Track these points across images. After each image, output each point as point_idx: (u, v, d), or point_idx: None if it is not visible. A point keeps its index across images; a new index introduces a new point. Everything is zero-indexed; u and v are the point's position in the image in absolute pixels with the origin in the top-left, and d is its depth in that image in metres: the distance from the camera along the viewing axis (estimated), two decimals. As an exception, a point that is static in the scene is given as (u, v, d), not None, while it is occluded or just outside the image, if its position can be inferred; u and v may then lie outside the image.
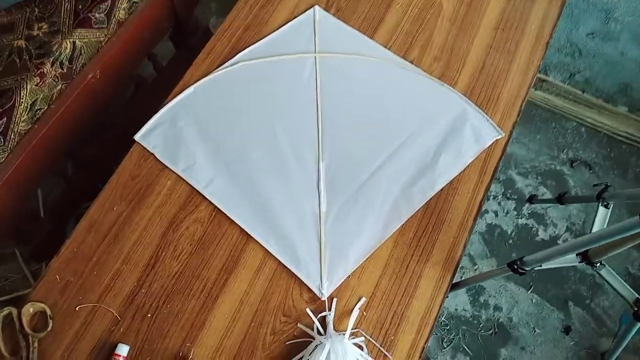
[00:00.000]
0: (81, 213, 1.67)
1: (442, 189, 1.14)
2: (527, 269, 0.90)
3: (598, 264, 0.98)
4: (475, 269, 1.63)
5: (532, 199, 1.42)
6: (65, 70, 1.35)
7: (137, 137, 1.17)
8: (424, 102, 1.22)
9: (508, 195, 1.73)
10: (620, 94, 1.79)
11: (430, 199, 1.13)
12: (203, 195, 1.11)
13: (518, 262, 0.90)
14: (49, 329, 0.99)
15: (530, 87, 1.24)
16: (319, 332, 1.01)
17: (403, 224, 1.10)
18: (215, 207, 1.11)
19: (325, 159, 1.16)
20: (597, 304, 1.60)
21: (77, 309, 1.01)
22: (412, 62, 1.26)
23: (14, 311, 1.00)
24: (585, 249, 0.86)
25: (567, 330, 1.57)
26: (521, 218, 1.70)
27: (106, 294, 1.03)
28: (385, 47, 1.28)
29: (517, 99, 1.23)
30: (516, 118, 1.21)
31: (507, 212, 1.71)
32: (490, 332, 1.57)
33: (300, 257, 1.07)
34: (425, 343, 1.02)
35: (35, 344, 0.97)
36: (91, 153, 1.59)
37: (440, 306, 1.06)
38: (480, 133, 1.19)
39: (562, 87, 1.78)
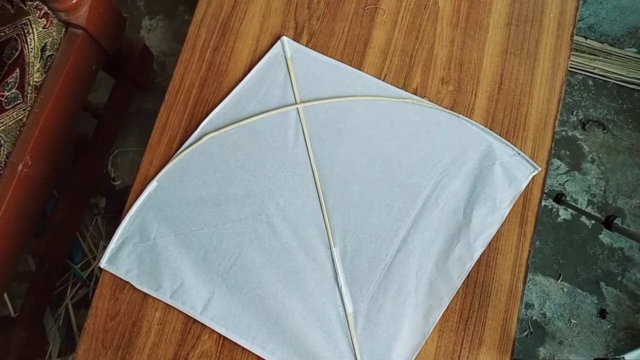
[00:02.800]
0: (55, 296, 1.46)
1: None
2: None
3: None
4: (500, 268, 1.50)
5: (559, 199, 1.26)
6: (-13, 172, 1.07)
7: (102, 264, 0.94)
8: (440, 144, 1.00)
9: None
10: (628, 36, 1.58)
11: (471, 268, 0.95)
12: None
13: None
14: None
15: (561, 99, 1.03)
16: None
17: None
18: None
19: (338, 243, 0.96)
20: (629, 279, 1.51)
21: None
22: (415, 93, 1.02)
23: None
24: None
25: (602, 314, 1.49)
26: (539, 200, 1.56)
27: None
28: (380, 78, 1.03)
29: (548, 118, 1.02)
30: (551, 144, 1.01)
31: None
32: (525, 333, 1.48)
33: (336, 378, 0.90)
34: None
35: None
36: (46, 240, 1.33)
37: (504, 397, 0.93)
38: (513, 173, 0.99)
39: (563, 37, 1.54)
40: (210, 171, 0.98)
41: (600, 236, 1.54)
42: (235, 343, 0.91)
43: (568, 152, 1.59)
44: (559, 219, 1.54)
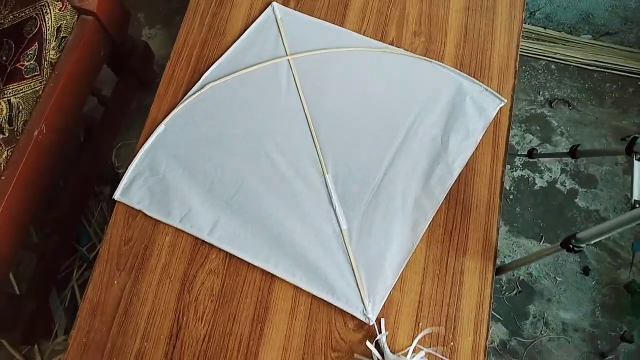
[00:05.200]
0: (61, 279, 1.52)
1: (459, 174, 1.06)
2: (582, 245, 0.85)
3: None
4: (485, 233, 1.59)
5: (531, 154, 1.38)
6: (6, 134, 1.18)
7: (116, 196, 1.03)
8: (416, 85, 1.13)
9: (497, 150, 1.69)
10: (582, 22, 1.76)
11: (451, 187, 1.05)
12: (210, 243, 1.00)
13: (573, 241, 0.85)
14: None
15: (519, 44, 1.17)
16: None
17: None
18: (227, 252, 0.99)
19: (330, 171, 1.06)
20: (608, 238, 1.60)
21: (106, 406, 0.89)
22: (392, 44, 1.16)
23: None
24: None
25: (585, 271, 1.56)
26: (515, 171, 1.67)
27: (134, 381, 0.91)
28: (360, 32, 1.17)
29: (509, 60, 1.16)
30: (514, 80, 1.14)
31: (501, 168, 1.68)
32: (515, 292, 1.55)
33: (334, 285, 0.97)
34: (486, 341, 0.97)
35: None
36: (55, 215, 1.42)
37: (491, 298, 1.00)
38: (482, 105, 1.11)
39: (524, 28, 1.72)
40: (212, 114, 1.10)
41: (576, 200, 1.64)
42: (240, 260, 0.99)
43: (538, 127, 1.72)
44: (535, 187, 1.66)
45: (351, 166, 1.07)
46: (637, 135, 0.92)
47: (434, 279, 1.00)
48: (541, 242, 1.59)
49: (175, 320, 0.95)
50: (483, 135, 1.09)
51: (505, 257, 1.58)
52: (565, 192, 1.65)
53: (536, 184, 1.66)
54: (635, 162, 0.91)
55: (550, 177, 1.66)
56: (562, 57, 1.79)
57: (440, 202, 1.04)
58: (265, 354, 0.94)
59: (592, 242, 0.84)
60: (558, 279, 1.56)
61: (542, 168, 1.67)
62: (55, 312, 1.48)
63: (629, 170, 1.44)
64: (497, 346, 1.49)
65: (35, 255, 1.43)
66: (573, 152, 1.16)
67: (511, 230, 1.61)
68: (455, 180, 1.06)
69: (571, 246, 0.85)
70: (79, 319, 0.95)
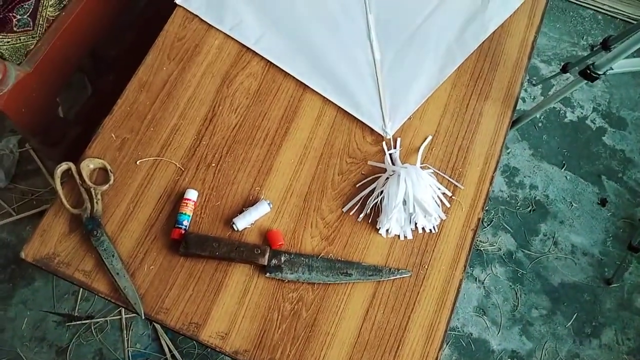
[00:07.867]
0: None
1: (493, 33, 1.13)
2: (600, 73, 0.90)
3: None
4: (508, 152, 1.64)
5: (565, 68, 1.42)
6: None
7: (178, 0, 1.13)
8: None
9: (533, 82, 1.74)
10: (636, -23, 1.81)
11: (483, 42, 1.12)
12: (254, 52, 1.09)
13: (591, 66, 0.90)
14: (110, 182, 0.96)
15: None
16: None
17: (458, 67, 1.09)
18: (268, 62, 1.08)
19: (373, 11, 1.14)
20: (630, 177, 1.62)
21: (137, 163, 0.98)
22: None
23: (73, 167, 0.96)
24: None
25: (603, 202, 1.59)
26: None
27: (166, 148, 1.00)
28: None
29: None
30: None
31: (534, 98, 1.72)
32: (529, 209, 1.58)
33: (360, 102, 1.05)
34: (494, 172, 1.02)
35: (99, 196, 0.94)
36: (113, 54, 1.54)
37: (504, 140, 1.05)
38: (525, -24, 1.18)
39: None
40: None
41: (604, 138, 1.67)
42: (279, 69, 1.07)
43: (577, 68, 1.76)
44: (565, 120, 1.69)
45: (393, 11, 1.14)
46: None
47: (454, 115, 1.06)
48: (562, 169, 1.62)
49: (212, 108, 1.04)
50: (522, 3, 1.16)
51: (524, 176, 1.61)
52: (594, 129, 1.68)
53: (567, 117, 1.69)
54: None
55: (582, 113, 1.70)
56: (609, 9, 1.83)
57: (471, 53, 1.10)
58: (287, 148, 1.02)
59: (611, 69, 0.89)
60: (574, 204, 1.58)
61: (575, 104, 1.71)
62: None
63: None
64: (504, 255, 1.52)
65: (84, 89, 1.55)
66: (605, 43, 1.20)
67: (535, 155, 1.64)
68: (488, 38, 1.12)
69: (589, 72, 0.90)
70: (127, 92, 1.05)
